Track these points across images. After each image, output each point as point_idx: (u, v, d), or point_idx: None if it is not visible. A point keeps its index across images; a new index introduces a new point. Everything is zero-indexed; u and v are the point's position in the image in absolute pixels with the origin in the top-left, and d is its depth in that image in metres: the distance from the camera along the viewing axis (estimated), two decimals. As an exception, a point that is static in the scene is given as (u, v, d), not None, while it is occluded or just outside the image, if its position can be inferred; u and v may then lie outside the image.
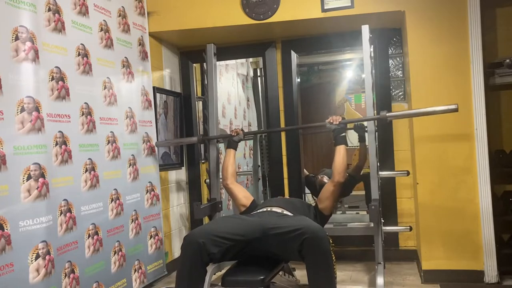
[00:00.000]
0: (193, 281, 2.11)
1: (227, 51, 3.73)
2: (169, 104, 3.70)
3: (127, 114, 3.02)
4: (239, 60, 4.58)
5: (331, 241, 2.13)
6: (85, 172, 2.56)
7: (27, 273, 2.03)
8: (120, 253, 2.84)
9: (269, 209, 2.48)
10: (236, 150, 2.94)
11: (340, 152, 2.59)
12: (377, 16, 3.17)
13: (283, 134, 3.76)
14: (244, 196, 2.74)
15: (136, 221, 3.04)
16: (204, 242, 2.08)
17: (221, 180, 2.96)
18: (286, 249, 2.14)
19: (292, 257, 2.31)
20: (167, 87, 3.73)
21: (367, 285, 3.05)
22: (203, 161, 4.00)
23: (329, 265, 2.05)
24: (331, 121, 2.68)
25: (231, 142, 2.94)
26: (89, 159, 2.60)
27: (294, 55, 3.73)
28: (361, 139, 3.08)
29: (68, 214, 2.40)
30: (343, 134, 2.66)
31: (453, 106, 2.59)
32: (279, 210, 2.47)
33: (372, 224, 2.87)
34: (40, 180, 2.12)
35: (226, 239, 2.15)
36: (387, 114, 2.73)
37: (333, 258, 2.11)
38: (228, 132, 3.99)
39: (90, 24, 2.70)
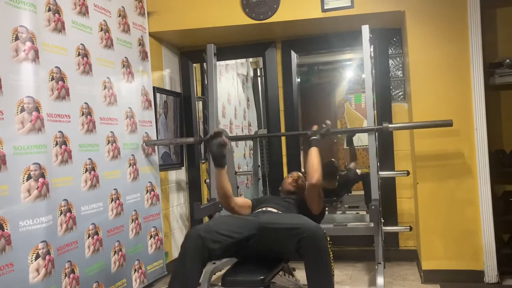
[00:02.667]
0: (189, 275, 2.09)
1: (227, 51, 3.73)
2: (169, 104, 3.70)
3: (127, 114, 3.02)
4: (239, 60, 4.57)
5: (328, 239, 2.14)
6: (85, 172, 2.56)
7: (27, 273, 2.04)
8: (120, 253, 2.84)
9: (264, 209, 2.52)
10: (224, 168, 2.44)
11: (311, 155, 2.54)
12: (377, 16, 3.17)
13: (283, 134, 3.76)
14: (247, 206, 2.69)
15: (136, 221, 3.04)
16: (205, 237, 2.09)
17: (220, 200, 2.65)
18: (284, 247, 2.16)
19: (290, 255, 2.32)
20: (167, 87, 3.73)
21: (367, 285, 3.05)
22: (203, 161, 4.00)
23: (327, 263, 2.08)
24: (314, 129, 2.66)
25: (218, 158, 2.39)
26: (89, 159, 2.60)
27: (294, 55, 3.72)
28: (348, 143, 3.10)
29: (68, 214, 2.40)
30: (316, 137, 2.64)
31: (448, 121, 2.79)
32: (274, 210, 2.50)
33: (372, 224, 2.87)
34: (40, 180, 2.12)
35: (226, 236, 2.16)
36: (389, 125, 2.85)
37: (331, 256, 2.12)
38: (228, 132, 3.97)
39: (90, 24, 2.70)
